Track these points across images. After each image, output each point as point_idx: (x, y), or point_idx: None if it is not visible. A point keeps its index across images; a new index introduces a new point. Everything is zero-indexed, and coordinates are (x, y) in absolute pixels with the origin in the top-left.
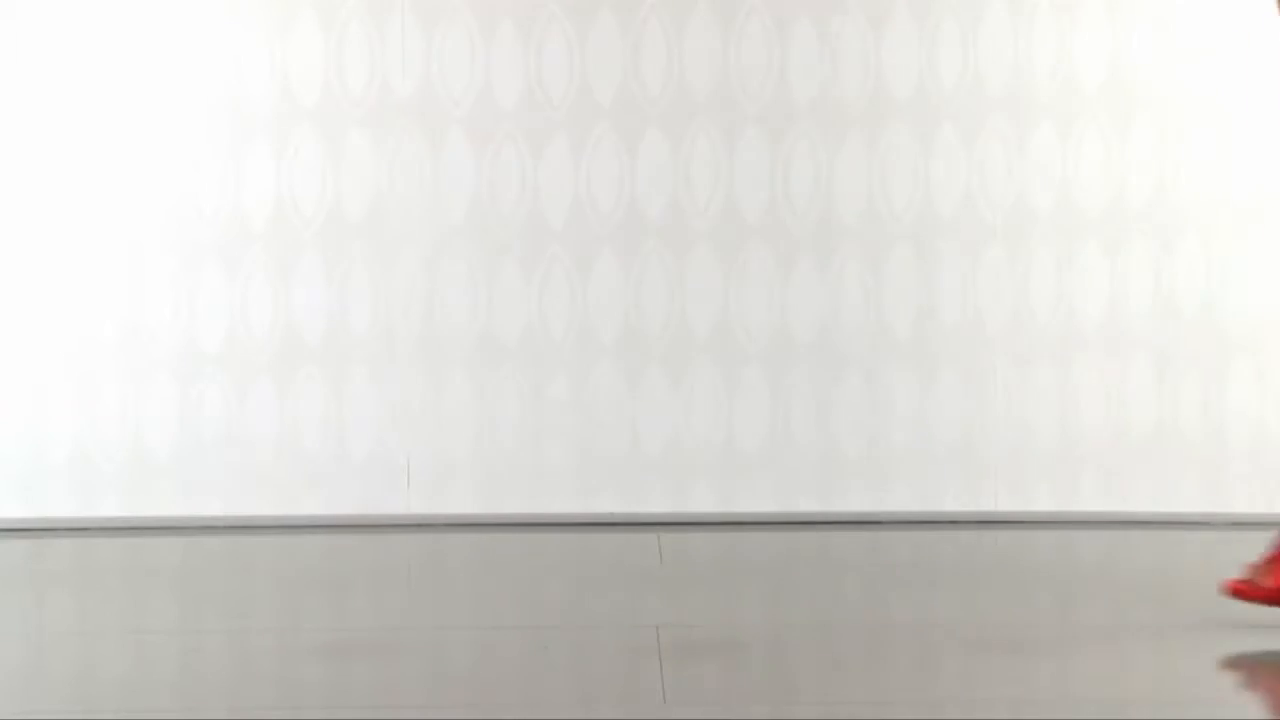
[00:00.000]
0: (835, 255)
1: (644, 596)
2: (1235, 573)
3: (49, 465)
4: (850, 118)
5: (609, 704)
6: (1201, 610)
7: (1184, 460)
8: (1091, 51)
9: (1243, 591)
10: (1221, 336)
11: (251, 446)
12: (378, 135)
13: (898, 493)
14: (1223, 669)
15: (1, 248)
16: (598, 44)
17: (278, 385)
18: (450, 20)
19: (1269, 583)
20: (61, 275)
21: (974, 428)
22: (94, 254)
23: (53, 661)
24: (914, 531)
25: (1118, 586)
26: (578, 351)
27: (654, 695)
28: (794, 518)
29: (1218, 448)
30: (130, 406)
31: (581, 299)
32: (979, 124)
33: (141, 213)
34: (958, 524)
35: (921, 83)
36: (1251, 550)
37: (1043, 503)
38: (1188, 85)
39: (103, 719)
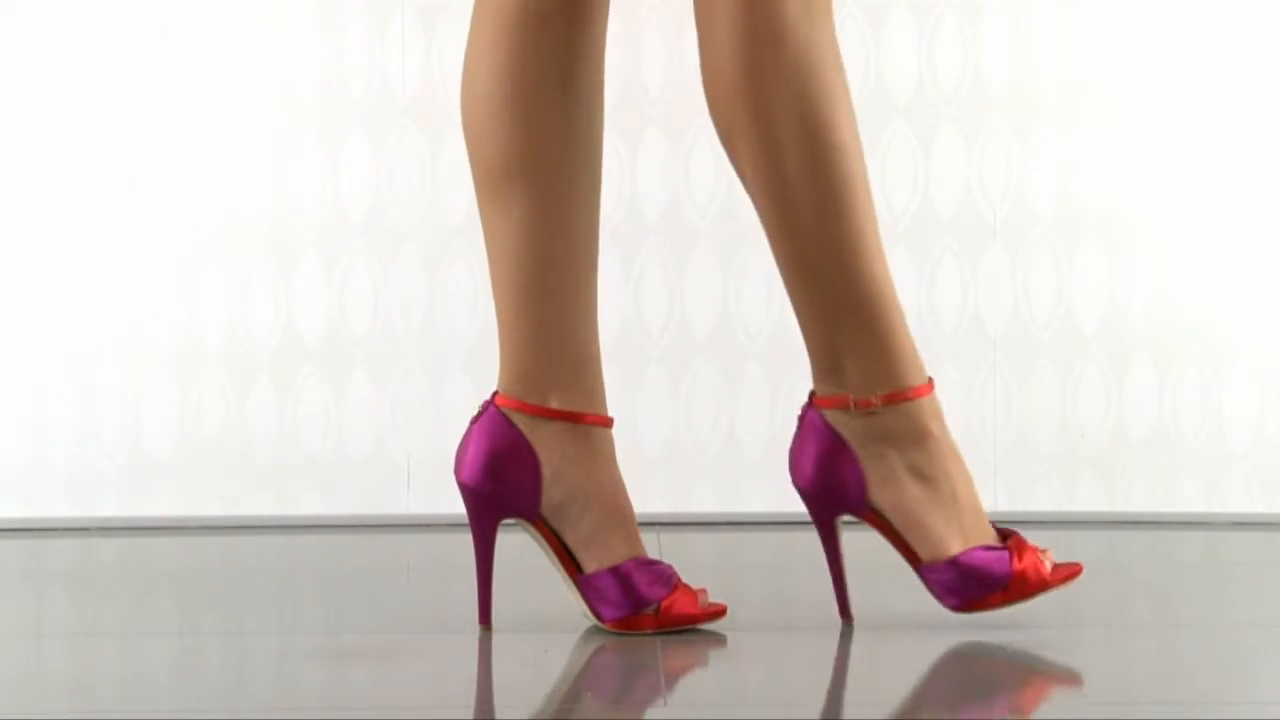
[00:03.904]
0: None
1: None
2: (1235, 572)
3: (49, 465)
4: None
5: (608, 705)
6: (1202, 610)
7: (1184, 460)
8: (1093, 52)
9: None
10: (1222, 336)
11: (251, 446)
12: (378, 135)
13: None
14: (1224, 668)
15: (1, 247)
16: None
17: (278, 385)
18: (450, 20)
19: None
20: (62, 275)
21: (974, 428)
22: (94, 254)
23: (53, 661)
24: None
25: (1117, 586)
26: None
27: (654, 696)
28: (794, 518)
29: (1218, 448)
30: (130, 406)
31: None
32: (979, 124)
33: (142, 213)
34: None
35: (921, 83)
36: (1252, 550)
37: (1043, 503)
38: (1190, 85)
39: (103, 719)
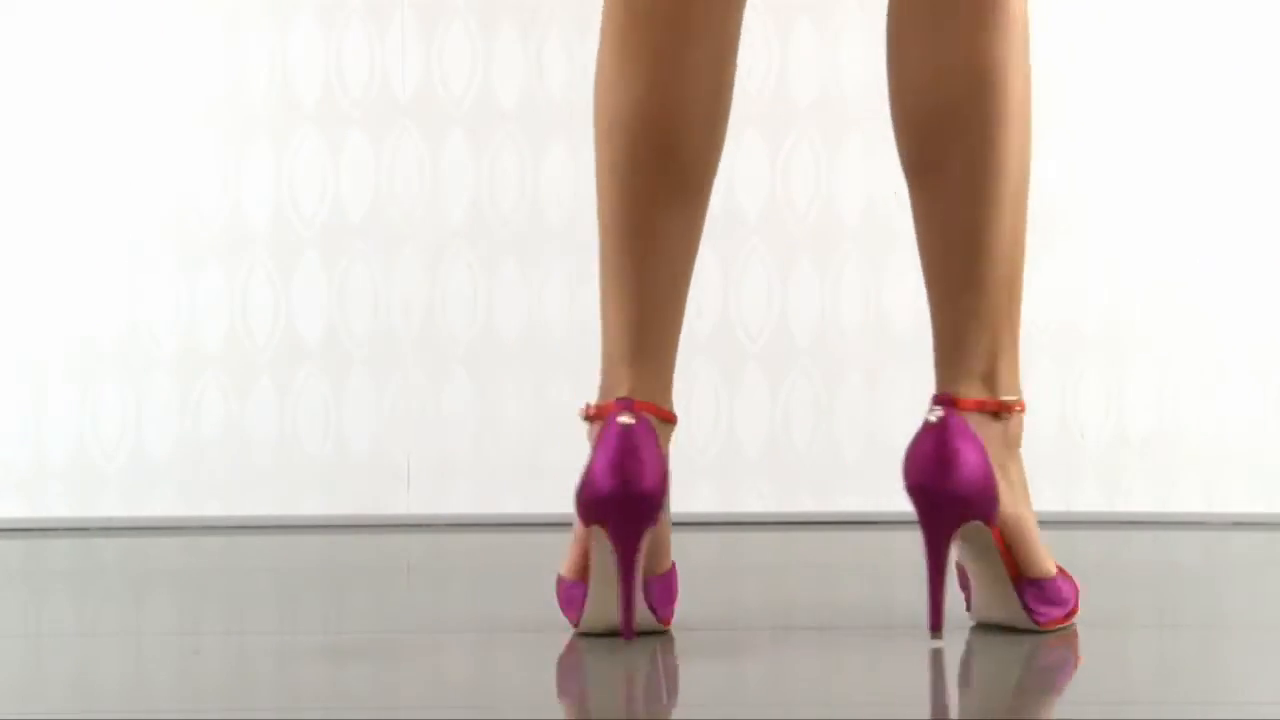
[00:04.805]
0: (835, 255)
1: None
2: (1235, 572)
3: (49, 465)
4: (850, 118)
5: (609, 705)
6: (1202, 610)
7: (1184, 460)
8: (1093, 53)
9: None
10: (1222, 336)
11: (251, 446)
12: (378, 135)
13: (898, 493)
14: (1224, 668)
15: (1, 248)
16: (598, 45)
17: (278, 385)
18: (450, 20)
19: None
20: (61, 275)
21: None
22: (94, 254)
23: (53, 661)
24: (914, 531)
25: (1118, 586)
26: (578, 351)
27: (654, 696)
28: (794, 518)
29: (1218, 448)
30: (130, 406)
31: (582, 299)
32: None
33: (141, 213)
34: None
35: None
36: (1251, 550)
37: (1043, 503)
38: (1190, 86)
39: (102, 719)
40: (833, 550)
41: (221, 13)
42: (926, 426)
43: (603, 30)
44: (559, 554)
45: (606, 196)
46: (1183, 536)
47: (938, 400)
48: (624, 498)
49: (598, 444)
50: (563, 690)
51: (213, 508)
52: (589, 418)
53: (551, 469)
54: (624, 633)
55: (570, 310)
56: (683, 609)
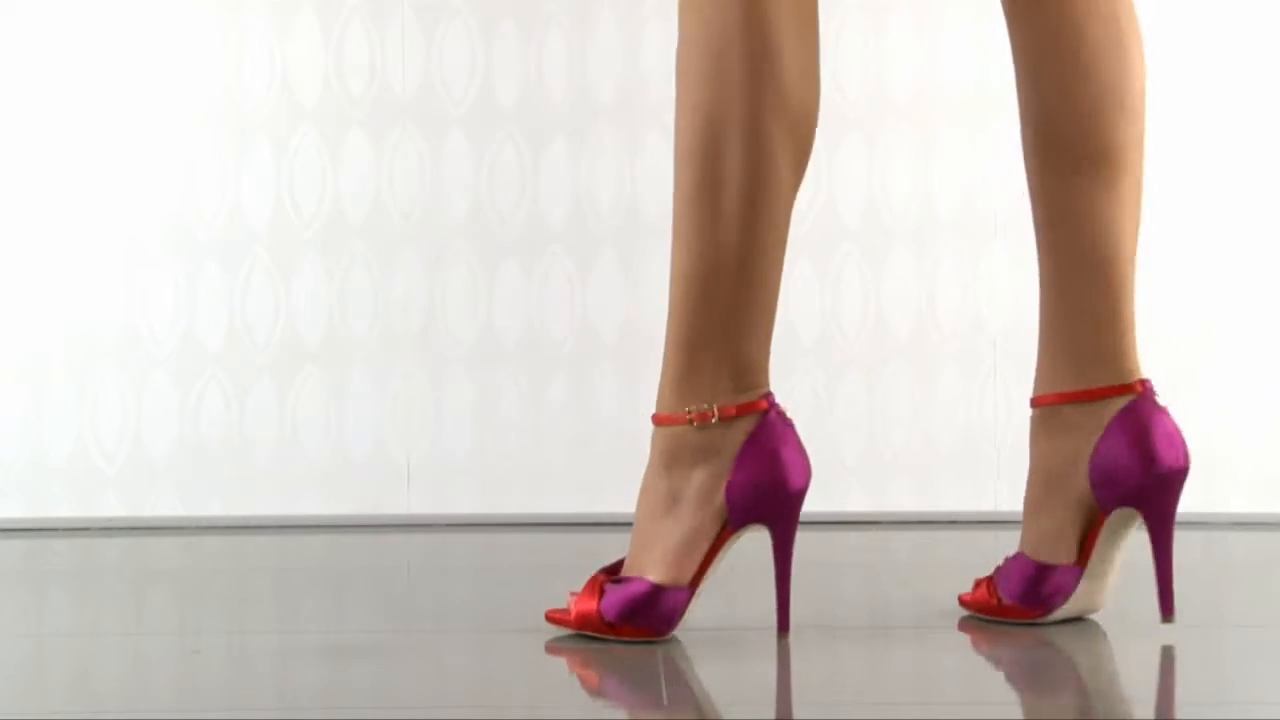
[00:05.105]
0: (835, 255)
1: None
2: (1235, 572)
3: (49, 465)
4: (850, 118)
5: (608, 705)
6: (1202, 607)
7: None
8: None
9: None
10: (1222, 337)
11: (251, 446)
12: (378, 135)
13: (898, 493)
14: (1224, 668)
15: (1, 247)
16: (598, 44)
17: (278, 385)
18: (450, 20)
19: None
20: (61, 275)
21: (974, 428)
22: (94, 254)
23: (53, 661)
24: (914, 531)
25: (1118, 586)
26: (578, 351)
27: (654, 696)
28: None
29: (1217, 448)
30: (130, 406)
31: (581, 299)
32: (978, 124)
33: (141, 213)
34: (958, 524)
35: (921, 83)
36: (1252, 550)
37: None
38: (1187, 86)
39: (103, 719)
40: (833, 550)
41: (221, 13)
42: (1166, 411)
43: (694, 26)
44: (559, 555)
45: (759, 185)
46: (1183, 536)
47: (1147, 387)
48: (801, 492)
49: (771, 441)
50: (563, 690)
51: (213, 508)
52: (723, 417)
53: (552, 469)
54: (783, 627)
55: (570, 310)
56: None
